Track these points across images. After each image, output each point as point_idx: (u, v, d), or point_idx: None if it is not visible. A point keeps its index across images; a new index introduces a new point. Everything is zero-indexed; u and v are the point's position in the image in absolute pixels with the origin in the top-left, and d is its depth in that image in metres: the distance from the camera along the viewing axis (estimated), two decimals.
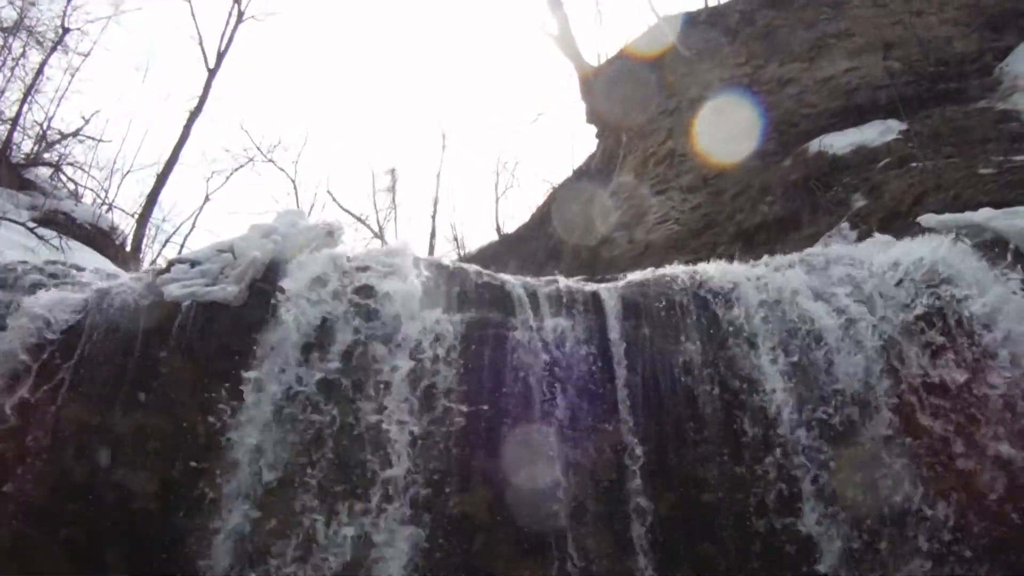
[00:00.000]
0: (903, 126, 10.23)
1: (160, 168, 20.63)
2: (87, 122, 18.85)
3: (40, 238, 11.78)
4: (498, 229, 26.32)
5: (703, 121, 12.82)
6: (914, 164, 8.83)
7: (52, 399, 4.74)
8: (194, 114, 20.98)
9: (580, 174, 18.42)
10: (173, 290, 5.16)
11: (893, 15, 12.41)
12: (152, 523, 4.53)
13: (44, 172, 16.66)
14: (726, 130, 12.25)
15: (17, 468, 4.58)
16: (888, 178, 8.92)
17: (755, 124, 12.00)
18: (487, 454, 4.72)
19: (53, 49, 17.82)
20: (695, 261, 6.35)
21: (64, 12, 18.07)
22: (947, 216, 5.79)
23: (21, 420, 4.67)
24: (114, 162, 21.58)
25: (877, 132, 10.51)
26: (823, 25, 12.81)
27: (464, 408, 4.79)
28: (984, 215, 5.57)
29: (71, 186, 17.23)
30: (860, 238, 7.80)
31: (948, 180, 7.74)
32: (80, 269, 6.44)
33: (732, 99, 12.53)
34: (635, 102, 15.05)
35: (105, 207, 18.34)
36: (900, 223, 6.84)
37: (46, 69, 17.82)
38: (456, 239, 28.18)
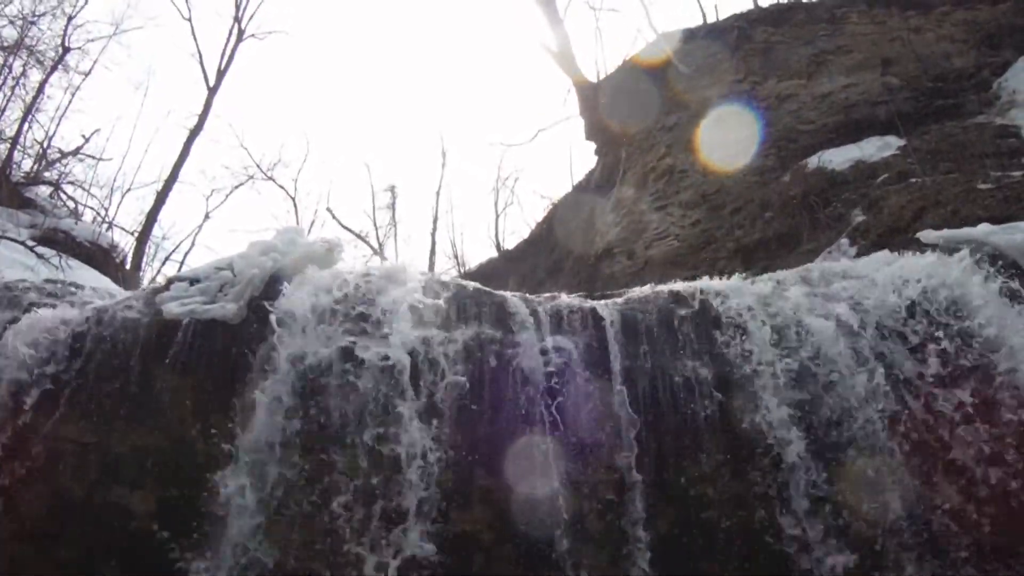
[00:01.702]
0: (902, 142, 10.27)
1: (160, 186, 20.76)
2: (87, 141, 18.91)
3: (40, 256, 11.77)
4: (498, 246, 26.38)
5: (702, 137, 12.88)
6: (913, 180, 8.87)
7: (50, 418, 4.72)
8: (194, 132, 21.12)
9: (580, 190, 18.46)
10: (172, 308, 5.15)
11: (891, 31, 12.50)
12: (150, 543, 4.50)
13: (44, 191, 16.69)
14: (725, 145, 12.29)
15: (14, 488, 4.55)
16: (887, 194, 8.95)
17: (754, 139, 12.05)
18: (487, 472, 4.69)
19: (53, 68, 17.94)
20: (695, 277, 6.34)
21: (65, 31, 18.23)
22: (946, 231, 5.80)
23: (18, 439, 4.64)
24: (114, 180, 21.75)
25: (876, 148, 10.56)
26: (821, 42, 12.90)
27: (464, 425, 4.77)
28: (983, 230, 5.58)
29: (71, 205, 17.26)
30: (860, 254, 7.81)
31: (947, 195, 7.77)
32: (79, 287, 6.44)
33: (731, 114, 12.58)
34: (634, 118, 15.11)
35: (105, 225, 18.43)
36: (899, 238, 6.85)
37: (46, 88, 17.95)
38: (456, 256, 28.29)
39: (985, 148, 9.01)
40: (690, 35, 14.59)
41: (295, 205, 29.94)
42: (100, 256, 14.85)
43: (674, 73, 14.15)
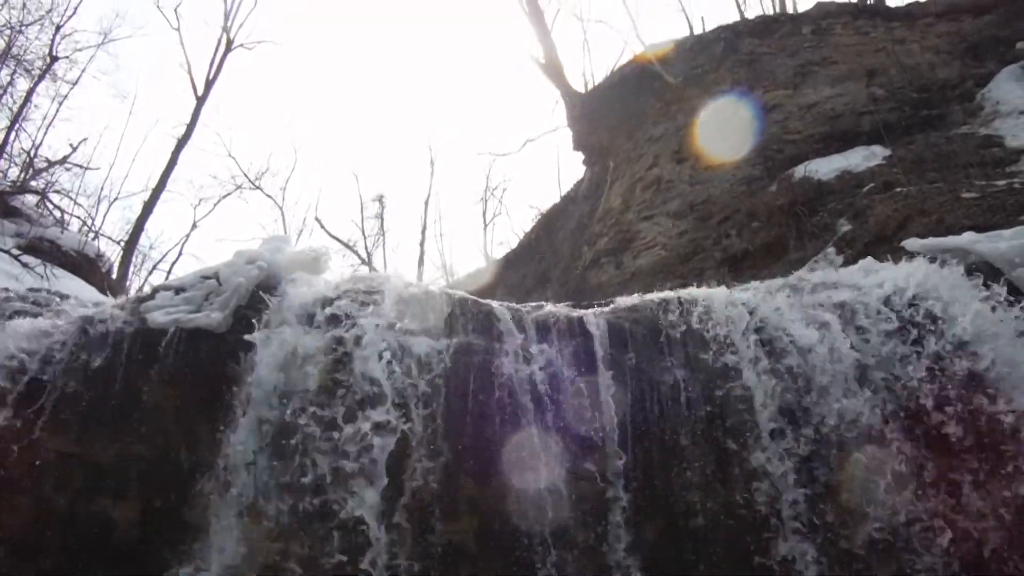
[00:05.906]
0: (887, 152, 10.35)
1: (147, 196, 20.67)
2: (74, 150, 18.84)
3: (25, 265, 11.71)
4: (486, 255, 26.42)
5: (690, 146, 12.94)
6: (898, 189, 8.93)
7: (32, 428, 4.67)
8: (182, 141, 21.07)
9: (568, 200, 18.50)
10: (157, 317, 5.12)
11: (876, 43, 12.62)
12: (134, 553, 4.46)
13: (30, 200, 16.58)
14: (716, 152, 12.37)
15: None
16: (873, 203, 9.00)
17: (742, 147, 12.13)
18: (474, 481, 4.67)
19: (41, 77, 17.89)
20: (682, 286, 6.35)
21: (52, 41, 18.17)
22: (931, 240, 5.83)
23: (0, 450, 4.60)
24: (101, 189, 21.60)
25: (861, 157, 10.63)
26: (806, 52, 13.00)
27: (450, 435, 4.75)
28: (968, 239, 5.62)
29: (57, 214, 17.14)
30: (846, 263, 7.85)
31: (932, 205, 7.82)
32: (64, 297, 6.39)
33: (719, 123, 12.65)
34: (622, 129, 15.18)
35: (91, 235, 18.31)
36: (885, 247, 6.87)
37: (34, 97, 17.89)
38: (444, 265, 28.33)
39: (969, 158, 9.09)
40: (677, 46, 14.67)
41: (283, 214, 29.90)
42: (86, 265, 14.76)
43: (661, 84, 14.22)
